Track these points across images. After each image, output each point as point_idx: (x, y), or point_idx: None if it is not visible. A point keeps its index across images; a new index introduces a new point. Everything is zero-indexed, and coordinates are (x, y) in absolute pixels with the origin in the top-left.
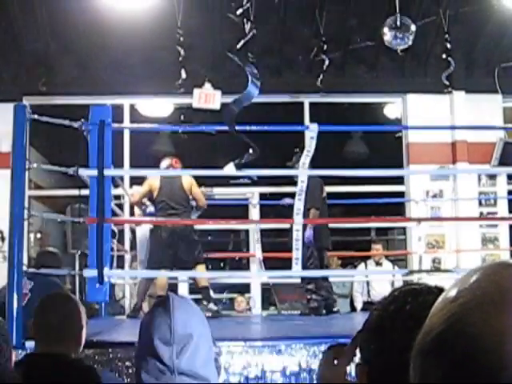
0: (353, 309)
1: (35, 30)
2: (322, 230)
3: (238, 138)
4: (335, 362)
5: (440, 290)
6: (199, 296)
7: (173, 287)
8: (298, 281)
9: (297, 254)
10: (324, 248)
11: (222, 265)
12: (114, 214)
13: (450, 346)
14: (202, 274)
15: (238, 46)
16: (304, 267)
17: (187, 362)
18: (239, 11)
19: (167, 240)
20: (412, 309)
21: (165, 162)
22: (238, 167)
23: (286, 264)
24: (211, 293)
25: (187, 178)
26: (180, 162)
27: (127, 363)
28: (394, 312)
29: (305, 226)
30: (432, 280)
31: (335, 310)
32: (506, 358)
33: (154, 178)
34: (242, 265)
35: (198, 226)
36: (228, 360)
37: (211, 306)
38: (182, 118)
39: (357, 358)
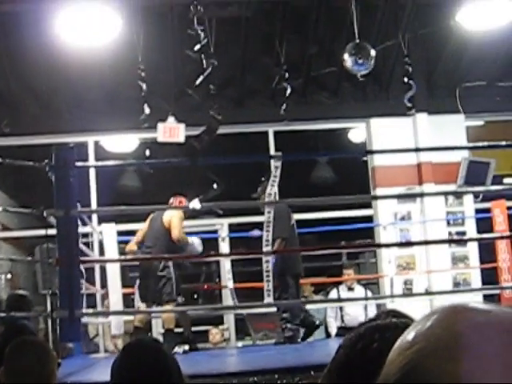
0: (327, 335)
1: None
2: (295, 257)
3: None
4: None
5: (406, 326)
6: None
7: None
8: (273, 310)
9: (268, 285)
10: (298, 275)
11: (195, 296)
12: (83, 253)
13: None
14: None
15: (197, 83)
16: (279, 297)
17: None
18: (197, 47)
19: (141, 277)
20: (379, 346)
21: (170, 201)
22: (203, 202)
23: (258, 293)
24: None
25: (171, 212)
26: (185, 201)
27: None
28: (361, 350)
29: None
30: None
31: (318, 323)
32: None
33: (146, 223)
34: (215, 296)
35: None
36: None
37: (177, 349)
38: (147, 152)
39: None
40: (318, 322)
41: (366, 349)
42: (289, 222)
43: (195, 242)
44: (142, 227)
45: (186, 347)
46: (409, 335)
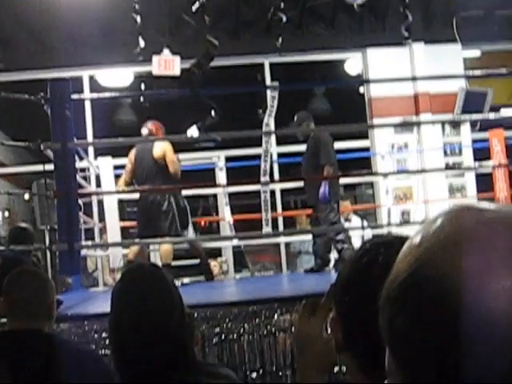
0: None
1: None
2: (337, 184)
3: (201, 100)
4: (311, 317)
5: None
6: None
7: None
8: (270, 241)
9: (266, 215)
10: (338, 201)
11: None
12: (81, 186)
13: (416, 290)
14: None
15: (194, 9)
16: (328, 221)
17: None
18: None
19: (142, 214)
20: (385, 260)
21: (143, 130)
22: (201, 130)
23: (256, 225)
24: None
25: (160, 144)
26: (161, 126)
27: (103, 334)
28: (366, 264)
29: (320, 183)
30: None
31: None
32: (470, 298)
33: (131, 153)
34: (213, 229)
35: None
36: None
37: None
38: (142, 86)
39: (332, 313)
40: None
41: (372, 263)
42: (333, 148)
43: None
44: (126, 165)
45: (186, 280)
46: (417, 236)
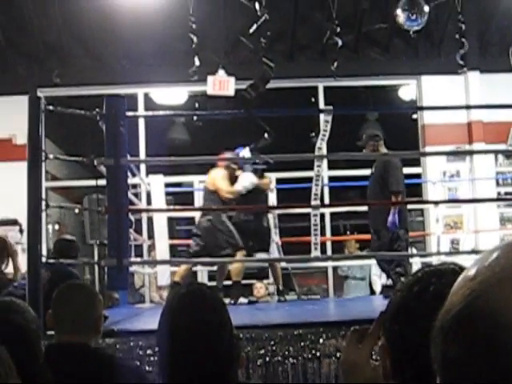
0: (372, 292)
1: (47, 21)
2: (405, 212)
3: (254, 122)
4: (359, 344)
5: (463, 270)
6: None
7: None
8: (318, 265)
9: (315, 239)
10: (407, 229)
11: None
12: (132, 203)
13: (470, 323)
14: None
15: (251, 31)
16: (391, 249)
17: None
18: None
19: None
20: (436, 289)
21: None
22: (253, 152)
23: (305, 249)
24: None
25: (212, 174)
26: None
27: (148, 351)
28: (418, 293)
29: (388, 210)
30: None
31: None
32: None
33: None
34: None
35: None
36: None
37: (242, 300)
38: (196, 105)
39: (380, 340)
40: None
41: (423, 292)
42: (402, 175)
43: (246, 179)
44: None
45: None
46: (472, 268)
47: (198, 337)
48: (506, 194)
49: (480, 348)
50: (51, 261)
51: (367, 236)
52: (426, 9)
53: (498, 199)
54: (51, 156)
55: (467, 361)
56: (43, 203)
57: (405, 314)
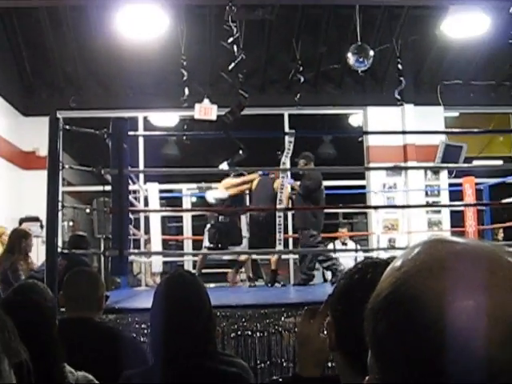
0: (324, 280)
1: (66, 56)
2: (319, 217)
3: (231, 141)
4: (311, 320)
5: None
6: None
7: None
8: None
9: (279, 235)
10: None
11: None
12: (132, 204)
13: (395, 305)
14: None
15: (230, 68)
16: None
17: None
18: (230, 39)
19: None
20: (372, 277)
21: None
22: (231, 165)
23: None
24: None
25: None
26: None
27: (143, 326)
28: (357, 280)
29: (305, 214)
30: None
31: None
32: (441, 315)
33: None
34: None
35: None
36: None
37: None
38: (185, 127)
39: (328, 318)
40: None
41: (361, 279)
42: (319, 186)
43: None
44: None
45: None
46: (398, 261)
47: (181, 314)
48: (433, 202)
49: (402, 325)
50: (66, 251)
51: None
52: (371, 53)
53: (426, 205)
54: (67, 166)
55: (392, 335)
56: (60, 204)
57: (347, 297)
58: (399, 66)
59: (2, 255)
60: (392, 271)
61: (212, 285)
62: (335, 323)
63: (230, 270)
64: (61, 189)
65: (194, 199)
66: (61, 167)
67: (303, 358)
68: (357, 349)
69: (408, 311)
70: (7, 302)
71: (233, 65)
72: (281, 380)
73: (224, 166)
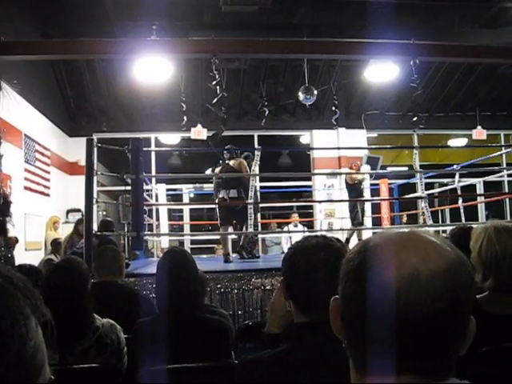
0: (282, 252)
1: (99, 93)
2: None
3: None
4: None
5: (327, 240)
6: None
7: None
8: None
9: (251, 221)
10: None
11: (209, 228)
12: (146, 200)
13: (361, 269)
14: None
15: (213, 102)
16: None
17: None
18: (214, 82)
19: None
20: (308, 246)
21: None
22: (213, 171)
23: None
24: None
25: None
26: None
27: (154, 286)
28: (297, 250)
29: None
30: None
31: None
32: (369, 275)
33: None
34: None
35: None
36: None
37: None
38: (185, 144)
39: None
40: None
41: (301, 247)
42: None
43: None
44: None
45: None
46: (372, 238)
47: (176, 277)
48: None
49: (366, 285)
50: (98, 233)
51: (281, 220)
52: (315, 92)
53: (354, 200)
54: (99, 172)
55: (356, 293)
56: (94, 199)
57: (290, 263)
58: (335, 101)
59: (71, 236)
60: (364, 244)
61: (204, 256)
62: (285, 280)
63: (216, 246)
64: (96, 188)
65: (192, 195)
66: (95, 173)
67: (271, 320)
68: (300, 296)
69: (370, 276)
70: (59, 267)
71: (216, 100)
72: (250, 324)
73: (209, 172)
